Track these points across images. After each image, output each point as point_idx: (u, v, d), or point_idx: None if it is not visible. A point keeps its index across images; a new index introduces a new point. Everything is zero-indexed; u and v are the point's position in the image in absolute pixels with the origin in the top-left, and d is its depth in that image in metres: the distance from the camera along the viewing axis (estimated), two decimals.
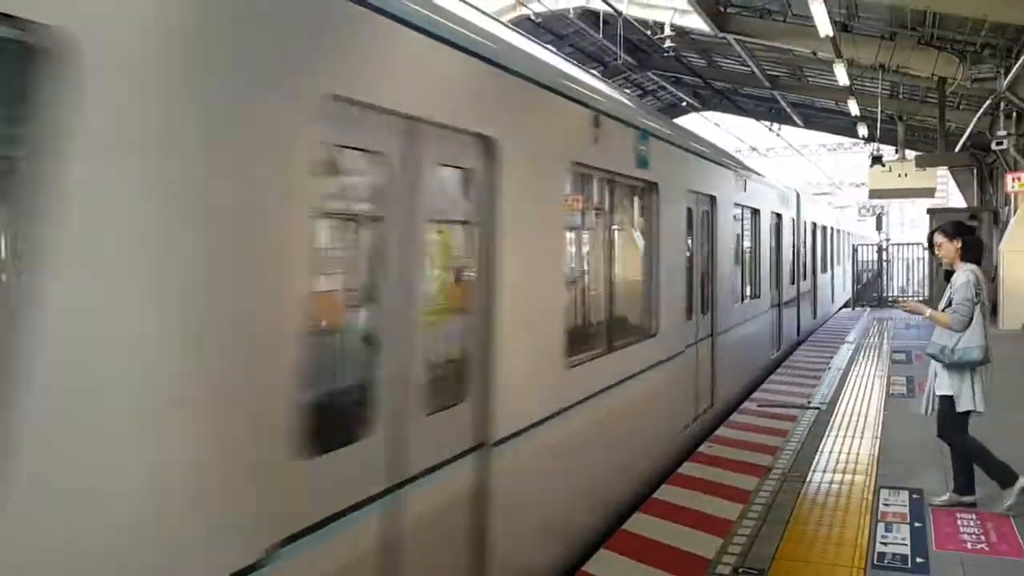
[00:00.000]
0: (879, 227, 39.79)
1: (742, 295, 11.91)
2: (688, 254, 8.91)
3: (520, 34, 6.02)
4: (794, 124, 32.07)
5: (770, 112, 31.04)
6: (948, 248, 6.45)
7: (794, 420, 9.66)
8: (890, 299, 27.49)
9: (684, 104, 30.24)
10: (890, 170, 22.02)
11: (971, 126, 20.02)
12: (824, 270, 22.09)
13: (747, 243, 12.61)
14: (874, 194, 23.86)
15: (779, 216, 14.74)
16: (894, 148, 24.94)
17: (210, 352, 2.65)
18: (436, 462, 3.95)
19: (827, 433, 8.99)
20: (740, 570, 5.34)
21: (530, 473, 4.91)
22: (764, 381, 12.47)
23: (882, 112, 22.72)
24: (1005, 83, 14.93)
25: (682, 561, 5.50)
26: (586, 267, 6.85)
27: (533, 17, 18.12)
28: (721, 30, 17.55)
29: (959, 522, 6.03)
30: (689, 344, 8.66)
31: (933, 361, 6.42)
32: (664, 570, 5.34)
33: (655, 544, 5.81)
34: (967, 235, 6.51)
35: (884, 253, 30.33)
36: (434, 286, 4.28)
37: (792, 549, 5.68)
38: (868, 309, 26.31)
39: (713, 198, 9.75)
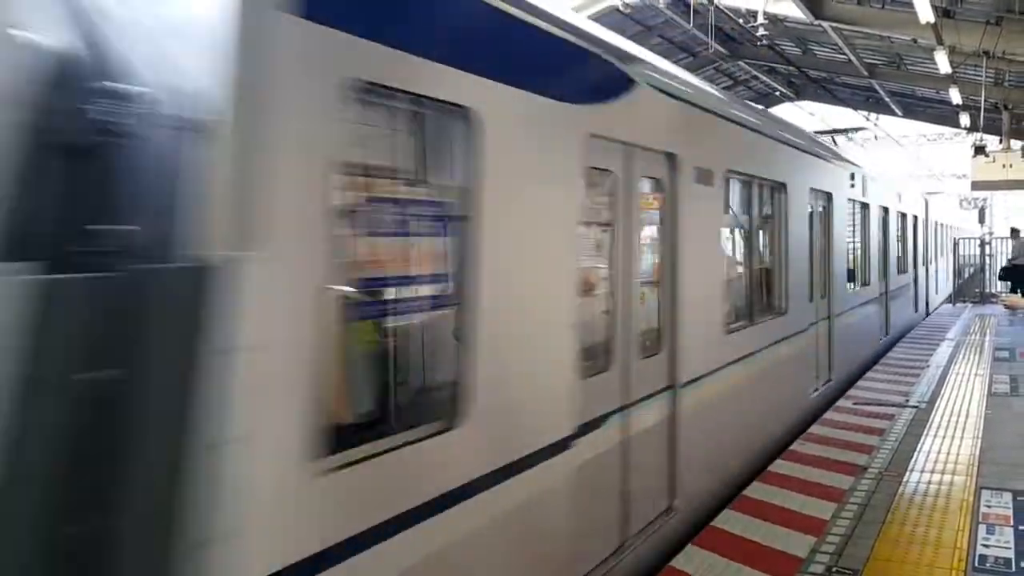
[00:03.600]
0: (982, 220, 38.46)
1: (745, 317, 7.68)
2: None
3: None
4: (893, 114, 31.08)
5: (867, 101, 30.15)
6: None
7: (891, 419, 9.41)
8: (992, 295, 26.52)
9: (778, 94, 29.60)
10: (994, 161, 21.31)
11: None
12: (903, 270, 17.60)
13: (759, 238, 8.45)
14: (977, 186, 23.04)
15: (829, 197, 10.62)
16: (998, 138, 24.05)
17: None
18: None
19: (926, 432, 8.74)
20: (834, 570, 5.26)
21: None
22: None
23: (986, 101, 21.88)
24: None
25: (773, 559, 5.44)
26: None
27: (621, 7, 17.96)
28: (817, 17, 17.11)
29: None
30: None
31: None
32: (754, 568, 5.30)
33: (745, 541, 5.75)
34: None
35: (987, 247, 29.27)
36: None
37: (888, 549, 5.56)
38: (969, 305, 25.44)
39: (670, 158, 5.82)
